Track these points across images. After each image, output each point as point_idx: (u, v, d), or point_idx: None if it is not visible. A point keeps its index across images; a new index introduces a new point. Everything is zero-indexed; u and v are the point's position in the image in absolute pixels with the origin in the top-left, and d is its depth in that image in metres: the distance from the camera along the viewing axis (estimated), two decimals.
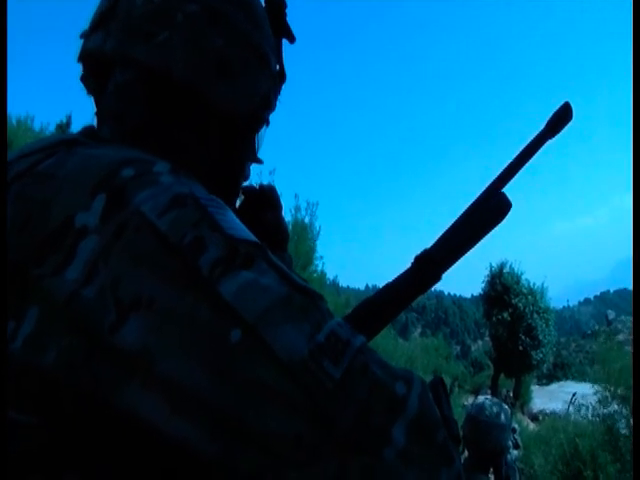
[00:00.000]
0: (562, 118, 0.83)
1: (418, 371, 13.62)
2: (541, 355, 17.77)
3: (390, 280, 0.82)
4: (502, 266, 18.17)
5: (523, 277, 18.04)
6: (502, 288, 17.76)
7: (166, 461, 0.49)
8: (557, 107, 0.83)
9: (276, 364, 0.46)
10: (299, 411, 0.46)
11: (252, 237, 0.53)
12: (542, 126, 0.84)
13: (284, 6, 0.77)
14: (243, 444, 0.45)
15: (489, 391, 16.77)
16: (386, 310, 0.80)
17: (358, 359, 0.49)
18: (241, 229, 0.53)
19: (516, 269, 18.18)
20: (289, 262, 0.88)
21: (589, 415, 8.06)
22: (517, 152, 0.84)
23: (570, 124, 0.84)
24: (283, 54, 0.78)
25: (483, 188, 0.85)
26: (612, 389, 8.38)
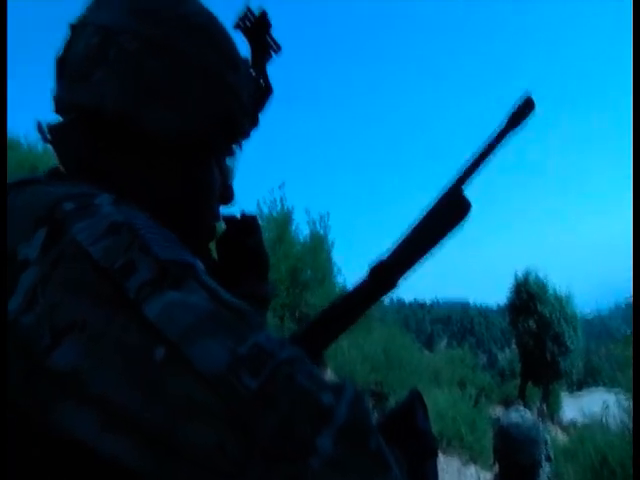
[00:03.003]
0: (523, 111, 0.80)
1: (443, 383, 13.46)
2: (570, 362, 17.44)
3: (347, 291, 0.82)
4: (527, 274, 17.95)
5: (549, 283, 17.78)
6: (527, 296, 17.49)
7: (105, 477, 0.51)
8: (519, 100, 0.80)
9: (197, 378, 0.47)
10: (220, 422, 0.47)
11: (185, 257, 0.55)
12: (503, 120, 0.81)
13: (265, 22, 0.77)
14: (174, 458, 0.47)
15: (521, 403, 16.50)
16: (340, 321, 0.80)
17: (282, 370, 0.50)
18: (174, 250, 0.55)
19: (542, 276, 17.93)
20: (271, 288, 0.88)
21: (619, 423, 7.88)
22: (478, 148, 0.80)
23: (531, 117, 0.80)
24: (274, 68, 0.78)
25: (443, 188, 0.81)
26: None
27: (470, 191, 0.81)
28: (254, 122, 0.77)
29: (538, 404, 17.67)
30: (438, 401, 10.58)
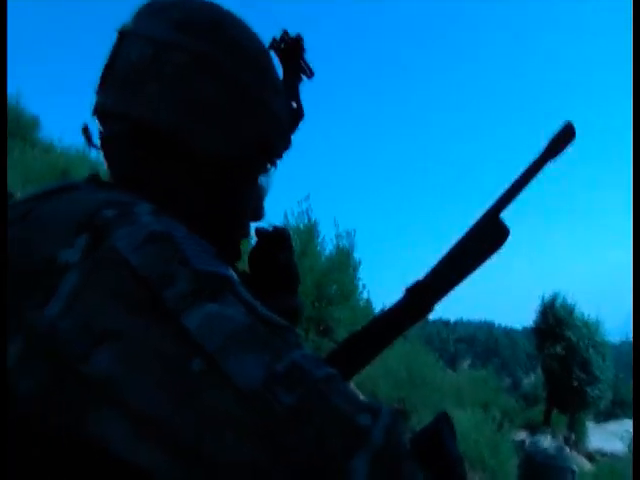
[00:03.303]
0: (563, 139, 0.79)
1: (466, 403, 13.26)
2: (597, 391, 17.04)
3: (383, 310, 0.82)
4: (554, 298, 17.66)
5: (577, 309, 17.47)
6: (554, 320, 17.21)
7: None
8: (559, 127, 0.79)
9: (233, 392, 0.47)
10: (254, 438, 0.47)
11: (223, 270, 0.55)
12: (543, 147, 0.80)
13: (300, 46, 0.78)
14: (205, 470, 0.47)
15: (549, 430, 16.16)
16: (376, 342, 0.81)
17: (318, 389, 0.50)
18: (212, 263, 0.55)
19: (569, 300, 17.63)
20: (301, 303, 0.88)
21: None
22: (517, 175, 0.80)
23: (572, 144, 0.79)
24: (301, 91, 0.80)
25: (481, 213, 0.81)
26: None
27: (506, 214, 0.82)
28: (288, 144, 0.78)
29: (564, 431, 17.27)
30: (461, 422, 10.42)
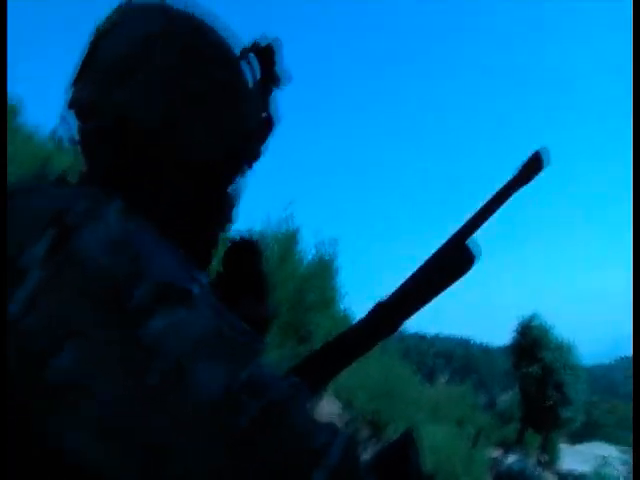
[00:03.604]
0: (532, 167, 0.78)
1: (442, 418, 13.28)
2: (570, 413, 17.21)
3: (345, 330, 0.82)
4: (532, 318, 17.83)
5: (553, 330, 17.66)
6: (531, 340, 17.37)
7: None
8: (530, 154, 0.78)
9: (195, 401, 0.47)
10: (214, 449, 0.46)
11: (191, 274, 0.54)
12: (513, 173, 0.79)
13: (273, 52, 0.77)
14: (163, 477, 0.46)
15: (520, 448, 16.24)
16: (343, 356, 0.80)
17: (280, 402, 0.50)
18: (180, 267, 0.54)
19: (546, 322, 17.82)
20: (271, 310, 0.89)
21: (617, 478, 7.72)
22: (484, 201, 0.79)
23: (541, 173, 0.78)
24: (276, 98, 0.77)
25: (448, 237, 0.80)
26: None
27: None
28: (259, 154, 0.77)
29: (537, 451, 17.37)
30: (436, 437, 10.41)
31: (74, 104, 0.68)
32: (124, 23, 0.68)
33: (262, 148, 0.77)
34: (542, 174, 0.78)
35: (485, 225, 0.80)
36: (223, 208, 0.75)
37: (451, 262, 0.80)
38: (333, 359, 0.81)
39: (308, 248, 8.50)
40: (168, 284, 0.51)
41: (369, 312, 0.81)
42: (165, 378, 0.47)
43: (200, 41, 0.69)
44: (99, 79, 0.65)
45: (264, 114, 0.77)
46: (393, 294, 0.81)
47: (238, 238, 0.88)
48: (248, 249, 0.88)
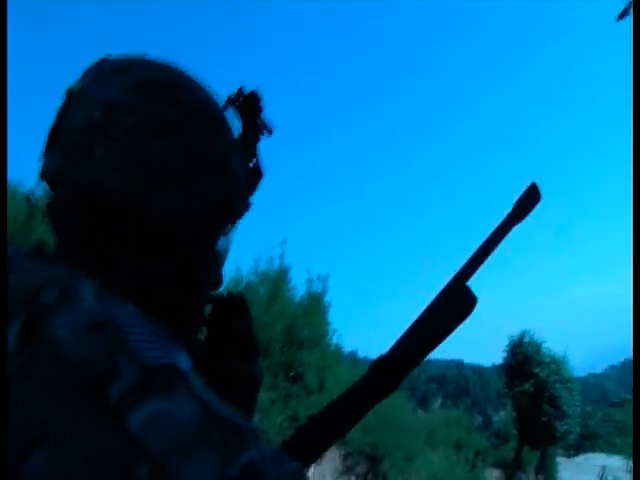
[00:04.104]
0: (529, 201, 0.78)
1: (439, 444, 13.16)
2: (566, 426, 17.14)
3: (347, 389, 0.79)
4: (522, 335, 17.84)
5: (544, 345, 17.65)
6: (523, 358, 17.33)
7: None
8: (523, 190, 0.78)
9: None
10: None
11: (174, 360, 0.51)
12: (508, 211, 0.78)
13: (258, 101, 0.75)
14: None
15: (518, 467, 16.03)
16: (339, 424, 0.78)
17: None
18: (162, 352, 0.51)
19: (537, 338, 17.80)
20: (259, 373, 0.83)
21: None
22: (483, 240, 0.79)
23: (536, 207, 0.78)
24: (261, 148, 0.76)
25: (446, 282, 0.79)
26: None
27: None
28: (248, 205, 0.74)
29: (535, 469, 17.24)
30: (433, 464, 10.34)
31: (43, 175, 0.65)
32: (92, 85, 0.65)
33: (250, 199, 0.74)
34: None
35: (485, 264, 0.78)
36: (209, 270, 0.71)
37: (453, 306, 0.77)
38: (336, 424, 0.77)
39: (298, 286, 8.51)
40: (150, 371, 0.48)
41: (368, 371, 0.78)
42: (150, 478, 0.44)
43: (174, 100, 0.64)
44: (63, 150, 0.63)
45: (251, 164, 0.74)
46: (393, 348, 0.78)
47: (224, 295, 0.82)
48: (234, 306, 0.81)
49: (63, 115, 0.65)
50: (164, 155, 0.62)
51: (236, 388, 0.76)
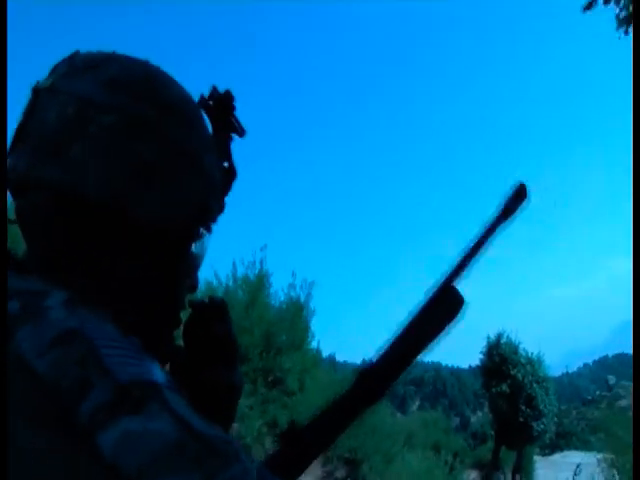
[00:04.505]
0: (516, 201, 0.77)
1: (418, 446, 13.23)
2: (542, 426, 17.37)
3: (334, 398, 0.77)
4: (499, 337, 18.04)
5: (521, 346, 17.88)
6: (500, 359, 17.51)
7: None
8: (511, 189, 0.78)
9: None
10: None
11: (149, 375, 0.48)
12: (496, 211, 0.78)
13: (231, 100, 0.73)
14: None
15: (495, 467, 16.22)
16: (326, 433, 0.77)
17: None
18: (135, 366, 0.48)
19: (513, 339, 18.03)
20: (240, 380, 0.81)
21: None
22: (470, 242, 0.78)
23: (524, 207, 0.78)
24: (232, 149, 0.74)
25: (434, 284, 0.78)
26: (616, 458, 8.05)
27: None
28: (222, 206, 0.71)
29: (512, 469, 17.44)
30: (412, 466, 10.38)
31: (9, 178, 0.61)
32: (63, 81, 0.61)
33: (225, 200, 0.72)
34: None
35: (473, 264, 0.77)
36: (186, 272, 0.69)
37: (441, 308, 0.77)
38: (317, 436, 0.76)
39: (279, 291, 8.48)
40: (123, 388, 0.45)
41: (355, 380, 0.77)
42: None
43: (150, 97, 0.62)
44: (31, 149, 0.59)
45: (225, 164, 0.72)
46: (381, 352, 0.77)
47: (203, 300, 0.80)
48: (214, 312, 0.79)
49: (31, 113, 0.61)
50: (144, 152, 0.60)
51: (216, 396, 0.74)
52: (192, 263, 0.69)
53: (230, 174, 0.73)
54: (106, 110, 0.59)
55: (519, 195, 0.77)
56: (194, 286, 0.72)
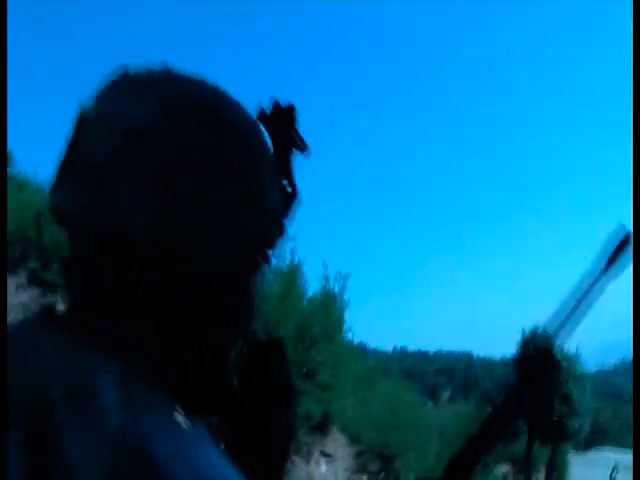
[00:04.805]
0: (622, 248, 0.76)
1: (449, 441, 13.14)
2: (577, 424, 17.13)
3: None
4: (535, 330, 17.77)
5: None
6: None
7: None
8: (615, 239, 0.76)
9: None
10: None
11: (204, 470, 0.47)
12: (603, 263, 0.77)
13: (294, 115, 0.69)
14: None
15: (528, 463, 16.07)
16: None
17: None
18: (191, 460, 0.46)
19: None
20: (294, 421, 0.79)
21: None
22: (576, 298, 0.77)
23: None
24: (295, 167, 0.70)
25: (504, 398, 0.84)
26: None
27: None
28: (283, 233, 0.65)
29: (545, 465, 17.27)
30: (445, 461, 10.29)
31: (54, 212, 0.57)
32: (110, 107, 0.56)
33: (285, 223, 0.66)
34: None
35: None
36: (244, 307, 0.62)
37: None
38: None
39: (312, 282, 8.48)
40: None
41: (447, 466, 0.84)
42: None
43: (206, 123, 0.56)
44: (75, 185, 0.54)
45: (287, 187, 0.68)
46: (465, 446, 0.84)
47: (262, 339, 0.75)
48: (272, 352, 0.75)
49: (76, 142, 0.56)
50: (197, 190, 0.53)
51: (271, 438, 0.72)
52: (250, 296, 0.62)
53: (291, 194, 0.68)
54: (156, 140, 0.53)
55: (623, 244, 0.75)
56: (251, 321, 0.65)
